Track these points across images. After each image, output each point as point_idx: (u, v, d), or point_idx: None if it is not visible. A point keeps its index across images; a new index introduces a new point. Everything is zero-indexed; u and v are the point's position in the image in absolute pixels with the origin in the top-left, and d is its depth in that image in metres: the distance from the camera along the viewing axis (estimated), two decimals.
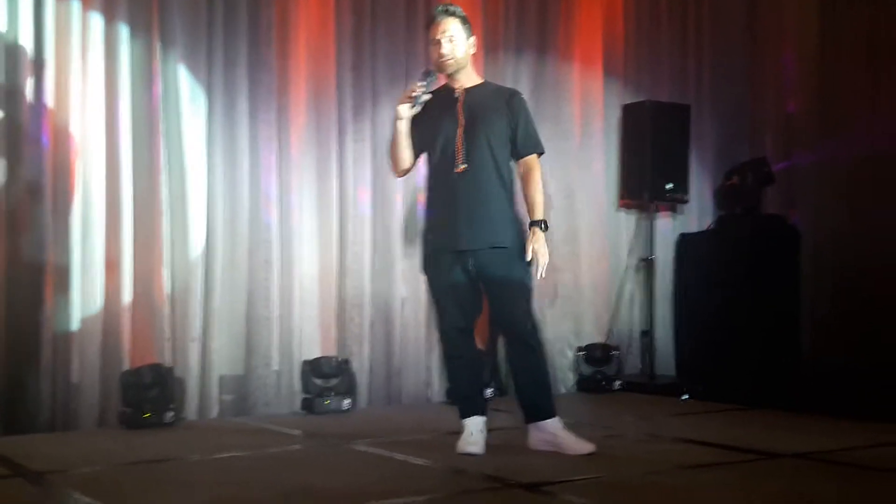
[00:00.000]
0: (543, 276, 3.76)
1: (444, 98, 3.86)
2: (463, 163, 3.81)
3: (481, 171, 3.82)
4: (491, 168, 3.84)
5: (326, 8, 5.31)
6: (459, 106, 3.84)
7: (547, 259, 3.76)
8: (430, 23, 3.89)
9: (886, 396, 4.89)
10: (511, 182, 3.92)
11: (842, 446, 3.99)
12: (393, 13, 5.50)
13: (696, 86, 6.65)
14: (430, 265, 3.90)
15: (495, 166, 3.85)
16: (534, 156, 3.90)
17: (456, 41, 3.84)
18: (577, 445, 3.77)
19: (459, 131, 3.83)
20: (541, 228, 3.78)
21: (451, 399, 3.96)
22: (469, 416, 3.89)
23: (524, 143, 3.90)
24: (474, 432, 3.84)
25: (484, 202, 3.81)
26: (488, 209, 3.81)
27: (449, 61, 3.84)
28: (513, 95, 3.98)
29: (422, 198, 5.42)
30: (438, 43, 3.83)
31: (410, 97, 3.81)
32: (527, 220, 3.84)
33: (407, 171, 4.02)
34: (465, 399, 3.96)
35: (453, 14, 3.86)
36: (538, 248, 3.75)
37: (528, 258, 3.74)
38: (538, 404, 3.87)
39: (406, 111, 3.82)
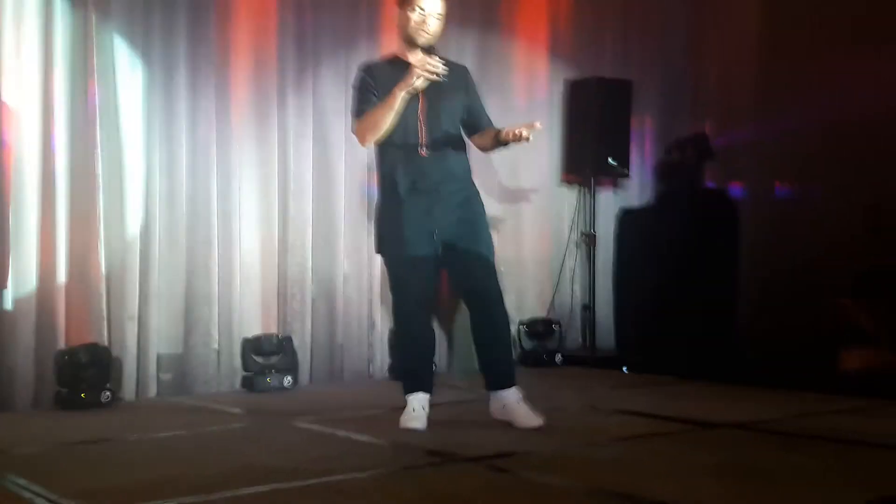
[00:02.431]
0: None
1: (400, 72, 3.75)
2: (426, 141, 3.80)
3: (444, 148, 3.84)
4: (453, 145, 3.88)
5: None
6: None
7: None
8: None
9: (818, 368, 5.01)
10: (467, 156, 3.97)
11: (775, 416, 4.08)
12: None
13: (639, 62, 6.70)
14: (393, 243, 3.86)
15: (457, 143, 3.91)
16: None
17: (441, 20, 3.84)
18: (526, 419, 3.80)
19: (420, 109, 3.80)
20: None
21: (396, 374, 3.96)
22: (414, 392, 3.90)
23: (485, 120, 4.00)
24: (416, 408, 3.85)
25: (450, 178, 3.83)
26: (454, 184, 3.84)
27: (429, 38, 3.81)
28: (467, 72, 4.03)
29: (373, 176, 5.43)
30: (425, 17, 3.79)
31: (437, 73, 3.65)
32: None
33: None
34: (412, 375, 3.96)
35: None
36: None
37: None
38: (500, 373, 3.89)
39: (422, 84, 3.68)
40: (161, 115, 4.93)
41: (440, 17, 3.85)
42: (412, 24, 3.82)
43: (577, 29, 6.46)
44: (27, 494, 2.86)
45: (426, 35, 3.82)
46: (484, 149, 4.07)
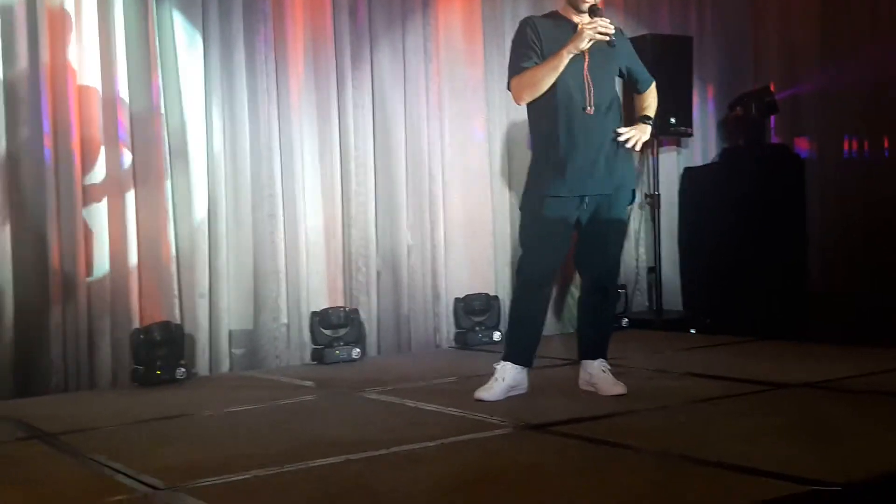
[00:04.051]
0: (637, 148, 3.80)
1: (564, 32, 3.70)
2: (593, 101, 3.71)
3: (607, 110, 3.76)
4: (614, 108, 3.81)
5: None
6: None
7: (643, 138, 3.79)
8: None
9: (892, 322, 4.91)
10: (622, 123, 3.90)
11: (849, 374, 4.01)
12: None
13: (698, 17, 6.57)
14: (541, 201, 3.75)
15: (617, 106, 3.84)
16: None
17: None
18: (609, 387, 3.82)
19: (585, 69, 3.71)
20: (648, 123, 3.86)
21: (506, 339, 3.89)
22: (511, 362, 3.82)
23: (646, 77, 3.94)
24: (499, 379, 3.80)
25: (613, 143, 3.76)
26: (617, 151, 3.77)
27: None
28: (622, 32, 3.92)
29: (434, 146, 5.44)
30: None
31: (607, 35, 3.63)
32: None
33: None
34: (517, 344, 3.86)
35: None
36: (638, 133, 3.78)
37: (624, 138, 3.73)
38: (594, 345, 3.93)
39: (586, 46, 3.64)
40: (221, 94, 4.98)
41: None
42: None
43: None
44: (107, 471, 2.95)
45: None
46: None
